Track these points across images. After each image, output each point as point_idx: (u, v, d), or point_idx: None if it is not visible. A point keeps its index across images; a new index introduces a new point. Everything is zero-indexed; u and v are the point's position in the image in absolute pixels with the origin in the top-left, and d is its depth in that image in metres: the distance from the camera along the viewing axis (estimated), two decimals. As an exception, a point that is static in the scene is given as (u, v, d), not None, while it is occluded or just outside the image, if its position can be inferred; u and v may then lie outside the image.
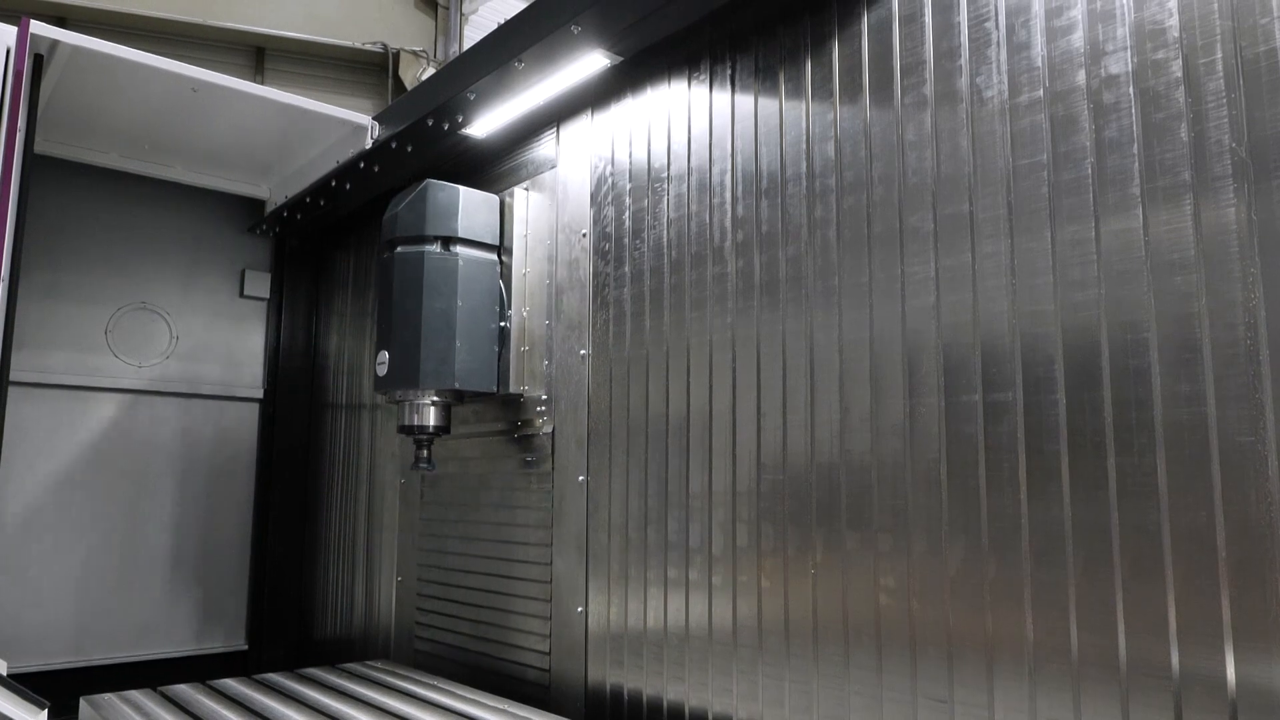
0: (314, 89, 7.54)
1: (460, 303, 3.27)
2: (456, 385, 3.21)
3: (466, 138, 3.57)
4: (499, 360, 3.36)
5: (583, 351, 3.12)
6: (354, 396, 4.69)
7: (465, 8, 8.51)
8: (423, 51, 7.98)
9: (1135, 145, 1.80)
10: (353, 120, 4.04)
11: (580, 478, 3.05)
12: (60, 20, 6.95)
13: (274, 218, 4.82)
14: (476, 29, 8.41)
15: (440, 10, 8.41)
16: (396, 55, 7.86)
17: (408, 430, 3.34)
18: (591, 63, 3.01)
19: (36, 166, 3.33)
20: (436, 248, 3.30)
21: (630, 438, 2.88)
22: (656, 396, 2.81)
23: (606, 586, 2.91)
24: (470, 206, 3.39)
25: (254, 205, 5.01)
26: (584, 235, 3.18)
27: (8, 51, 3.13)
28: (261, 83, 7.54)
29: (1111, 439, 1.77)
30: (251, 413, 4.97)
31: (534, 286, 3.40)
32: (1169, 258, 1.73)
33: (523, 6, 3.42)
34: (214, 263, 4.91)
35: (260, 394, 4.99)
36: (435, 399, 3.29)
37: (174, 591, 4.59)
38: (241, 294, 4.97)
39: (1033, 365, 1.91)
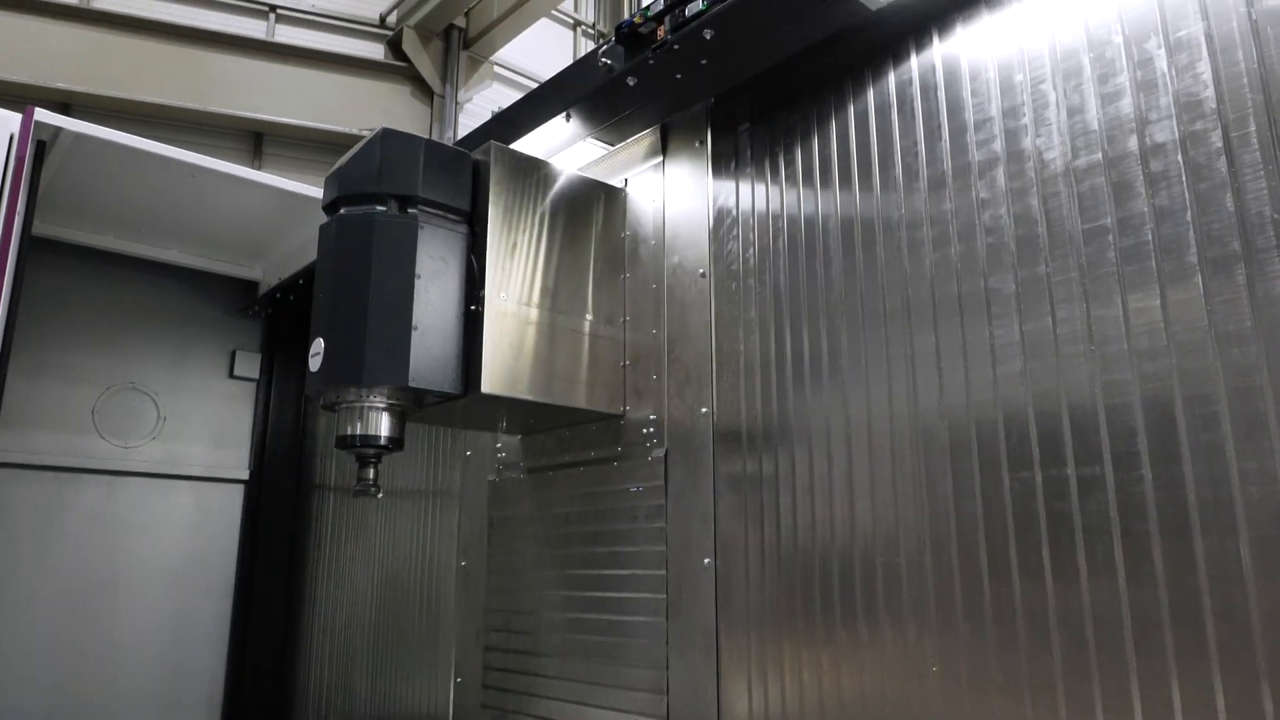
0: (311, 173, 7.58)
1: (419, 278, 2.63)
2: (410, 383, 2.55)
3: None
4: (469, 352, 2.68)
5: (704, 410, 2.73)
6: (343, 479, 4.61)
7: (460, 96, 8.73)
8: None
9: (1188, 213, 1.83)
10: None
11: (705, 560, 2.62)
12: (64, 106, 7.19)
13: (266, 299, 4.90)
14: (471, 116, 8.62)
15: (436, 99, 8.63)
16: None
17: (348, 443, 2.64)
18: (582, 152, 3.16)
19: (32, 248, 3.36)
20: (390, 208, 2.67)
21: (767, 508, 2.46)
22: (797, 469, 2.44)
23: (747, 697, 2.46)
24: (436, 161, 2.74)
25: (247, 286, 5.08)
26: (702, 274, 2.81)
27: (11, 138, 3.20)
28: (259, 167, 7.79)
29: (1196, 519, 1.74)
30: (236, 495, 4.95)
31: (636, 290, 2.99)
32: (1227, 329, 1.75)
33: (516, 97, 3.54)
34: (204, 343, 4.98)
35: (246, 475, 4.96)
36: (386, 402, 2.67)
37: (144, 682, 4.51)
38: (231, 374, 5.04)
39: (1117, 438, 1.87)
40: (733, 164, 2.83)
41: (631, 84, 2.79)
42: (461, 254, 2.79)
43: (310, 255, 4.25)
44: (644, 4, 2.64)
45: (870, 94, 2.48)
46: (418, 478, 4.08)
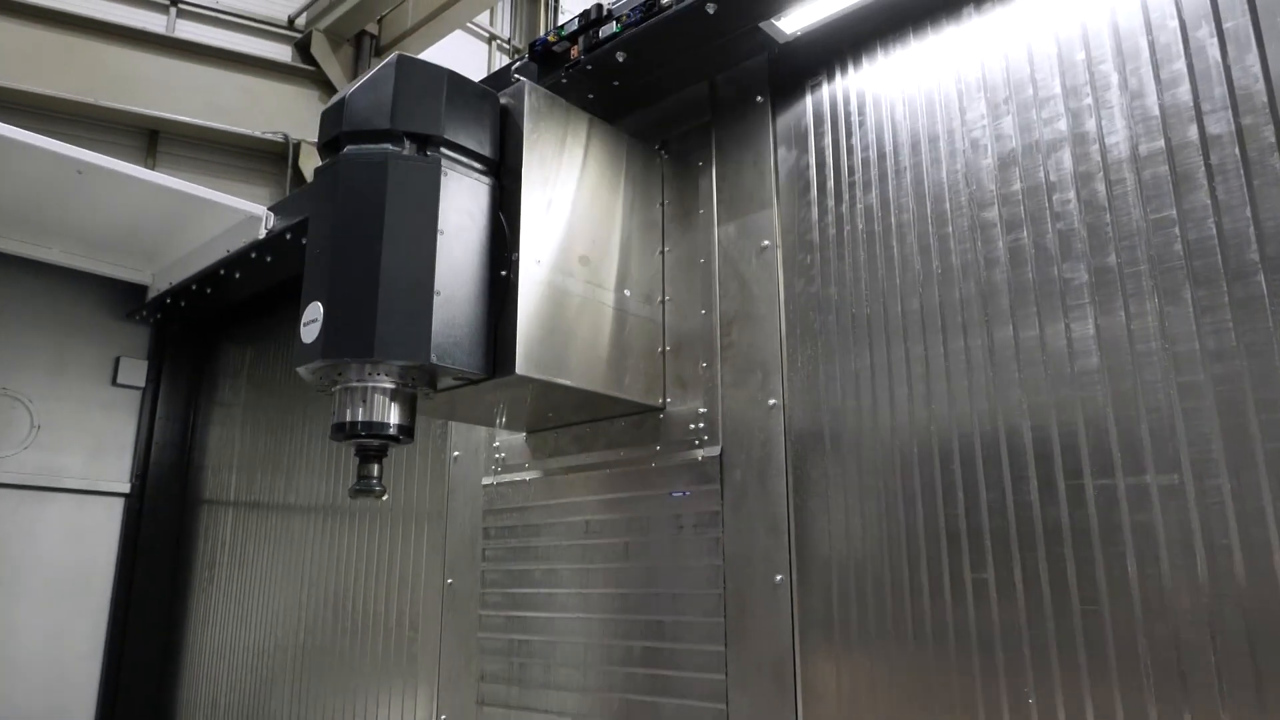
0: (208, 174, 7.35)
1: (442, 234, 2.20)
2: (434, 360, 2.11)
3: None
4: (498, 326, 2.25)
5: (772, 401, 2.36)
6: (252, 493, 4.23)
7: None
8: None
9: (1247, 209, 1.70)
10: (246, 209, 3.95)
11: (778, 577, 2.23)
12: (-55, 95, 6.51)
13: (155, 304, 4.66)
14: None
15: None
16: (298, 146, 7.67)
17: (348, 432, 2.16)
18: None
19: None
20: (407, 149, 2.23)
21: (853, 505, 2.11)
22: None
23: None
24: (460, 97, 2.30)
25: (135, 290, 4.82)
26: (766, 246, 2.44)
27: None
28: (153, 166, 7.43)
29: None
30: (116, 509, 4.71)
31: (677, 266, 2.62)
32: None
33: None
34: (85, 349, 4.72)
35: (126, 488, 4.74)
36: (395, 383, 2.19)
37: (17, 699, 4.24)
38: (114, 382, 4.78)
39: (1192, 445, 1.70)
40: (803, 122, 2.47)
41: None
42: (487, 210, 2.33)
43: (204, 260, 4.21)
44: (559, 23, 2.61)
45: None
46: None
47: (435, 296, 2.16)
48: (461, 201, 2.28)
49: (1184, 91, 1.84)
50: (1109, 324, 1.85)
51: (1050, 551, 1.85)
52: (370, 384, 2.16)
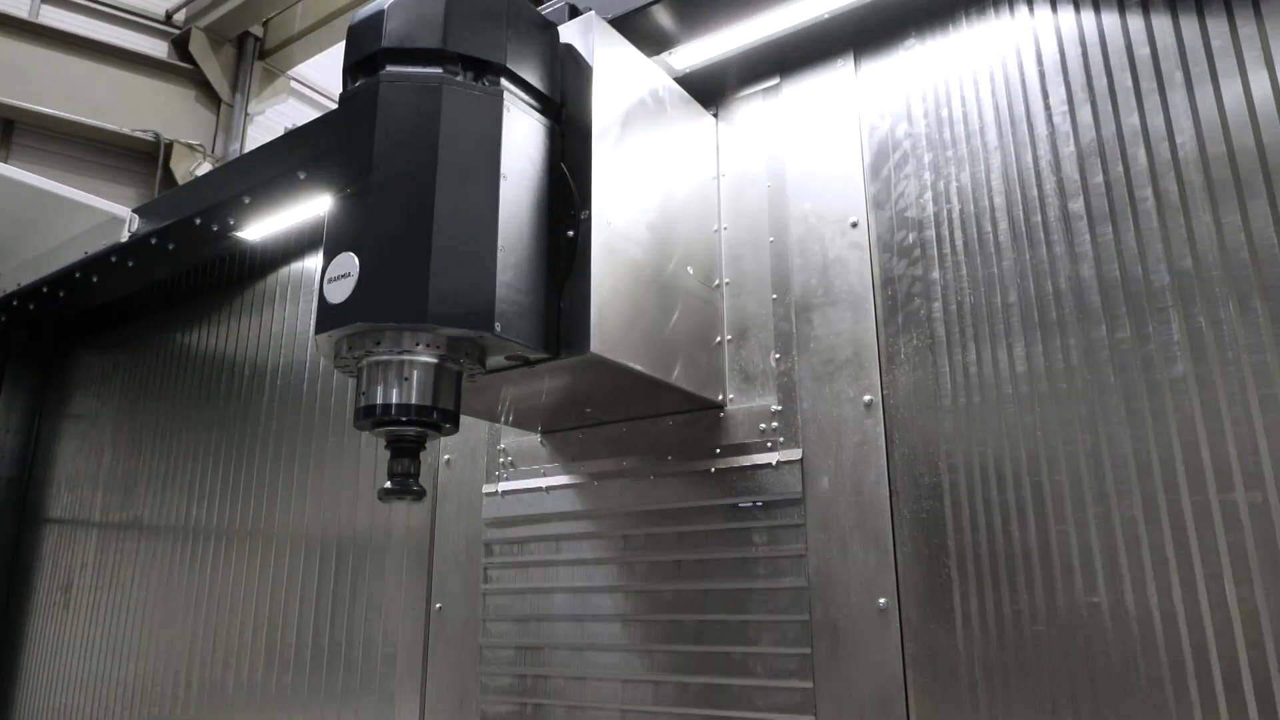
0: (69, 171, 6.99)
1: (504, 179, 1.80)
2: (498, 330, 1.71)
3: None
4: (565, 295, 1.86)
5: (868, 398, 2.05)
6: (127, 512, 3.83)
7: (252, 108, 8.09)
8: (200, 146, 7.60)
9: None
10: (108, 210, 3.77)
11: (881, 600, 1.92)
12: None
13: (1, 306, 4.29)
14: (263, 130, 8.01)
15: (224, 107, 7.96)
16: (169, 146, 7.38)
17: (379, 416, 1.72)
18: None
19: None
20: (464, 75, 1.82)
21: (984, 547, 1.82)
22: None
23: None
24: (521, 22, 1.92)
25: None
26: (854, 224, 2.15)
27: None
28: (6, 159, 6.79)
29: None
30: None
31: (737, 244, 2.30)
32: None
33: (314, 115, 3.55)
34: None
35: None
36: (438, 356, 1.75)
37: None
38: None
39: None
40: (899, 86, 2.20)
41: None
42: (548, 159, 1.95)
43: (60, 261, 3.91)
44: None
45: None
46: (317, 488, 3.07)
47: (499, 256, 1.76)
48: (523, 144, 1.89)
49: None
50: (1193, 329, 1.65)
51: (1158, 577, 1.62)
52: (410, 357, 1.74)
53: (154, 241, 3.64)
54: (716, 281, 2.33)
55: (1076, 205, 1.89)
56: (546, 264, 1.89)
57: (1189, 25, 1.85)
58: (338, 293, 1.70)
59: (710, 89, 2.50)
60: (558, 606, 2.38)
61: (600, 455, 2.42)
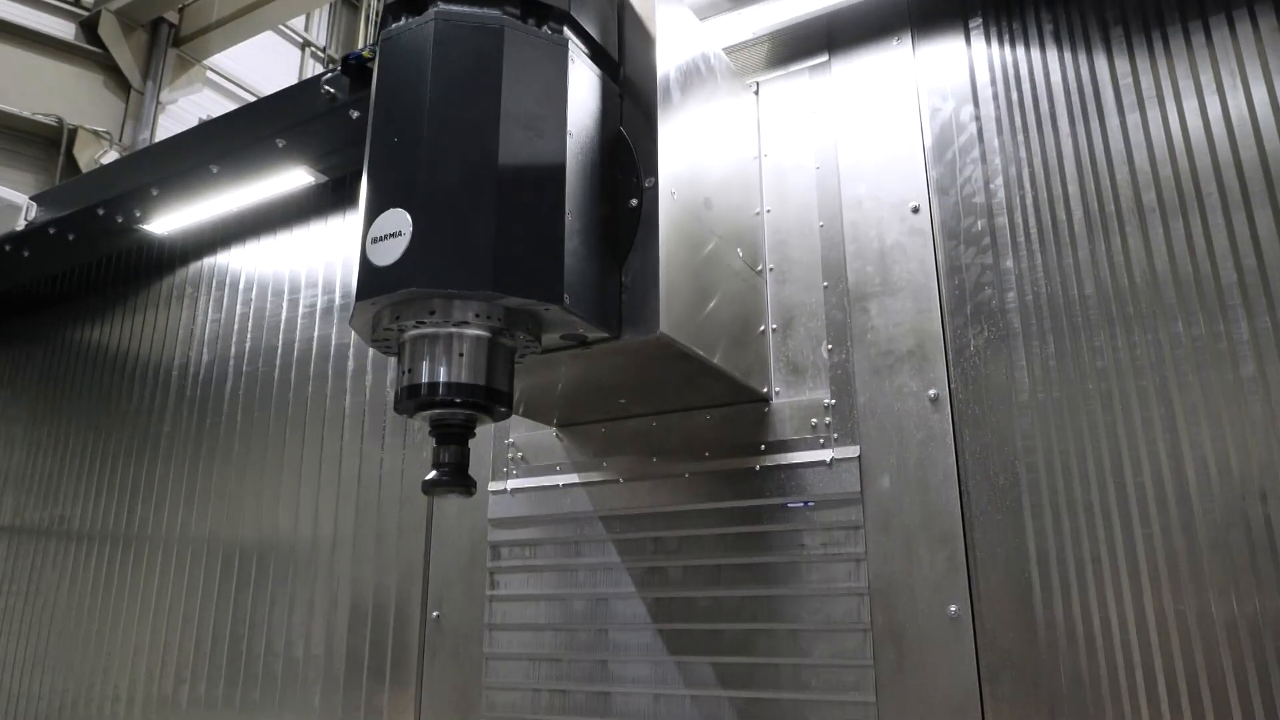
0: None
1: (570, 137, 1.62)
2: (566, 302, 1.53)
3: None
4: (628, 270, 1.68)
5: (933, 392, 1.92)
6: (44, 518, 3.50)
7: (164, 96, 7.70)
8: (106, 133, 7.18)
9: None
10: (3, 196, 3.61)
11: (952, 608, 1.79)
12: None
13: None
14: (176, 120, 7.60)
15: (134, 94, 7.54)
16: (74, 132, 6.97)
17: (425, 397, 1.51)
18: (295, 178, 2.93)
19: None
20: (523, 19, 1.62)
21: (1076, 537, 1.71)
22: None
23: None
24: None
25: None
26: (915, 209, 2.03)
27: None
28: None
29: None
30: None
31: (782, 229, 2.15)
32: None
33: (231, 107, 3.50)
34: None
35: None
36: (491, 329, 1.54)
37: None
38: None
39: None
40: (962, 65, 2.11)
41: (355, 116, 2.58)
42: (606, 120, 1.77)
43: None
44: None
45: None
46: (282, 478, 2.81)
47: (567, 223, 1.57)
48: (585, 100, 1.71)
49: None
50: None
51: (1240, 582, 1.55)
52: (462, 330, 1.53)
53: (52, 231, 3.42)
54: (760, 266, 2.18)
55: (1150, 197, 1.82)
56: (606, 235, 1.70)
57: (1266, 21, 1.80)
58: (386, 254, 1.49)
59: (751, 63, 2.36)
60: (577, 615, 2.19)
61: (626, 451, 2.24)
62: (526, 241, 1.52)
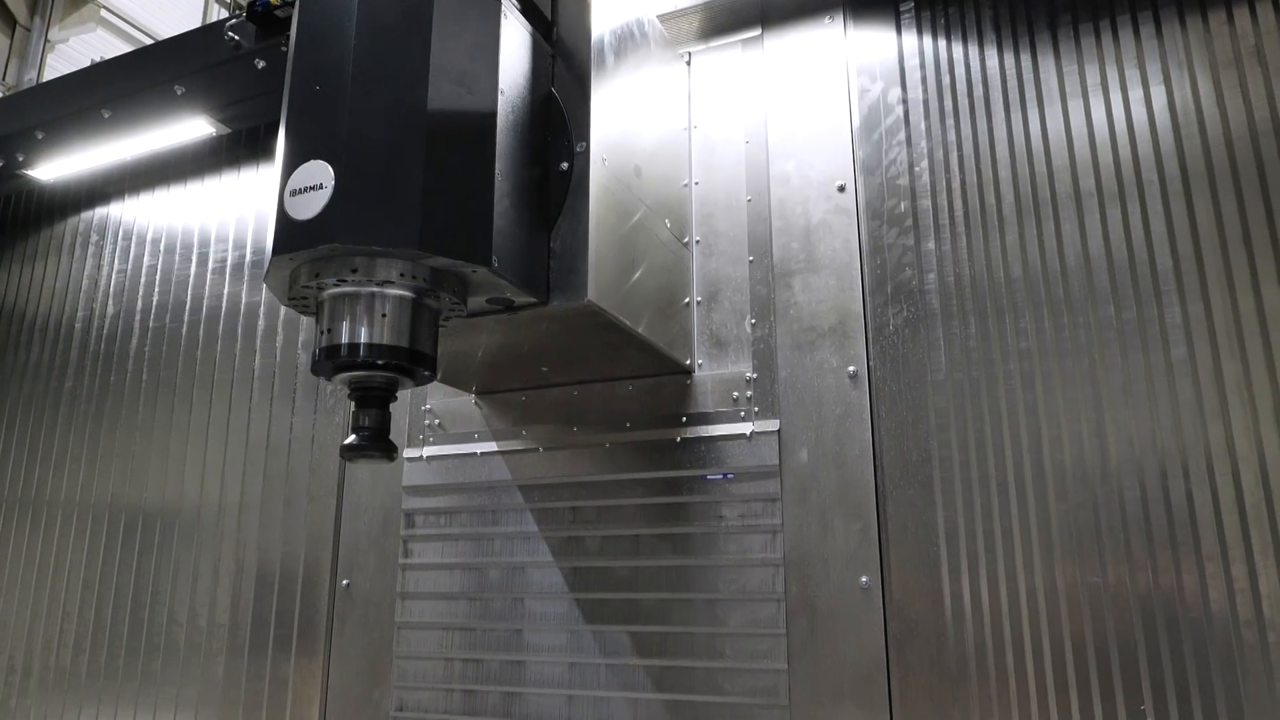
0: None
1: (502, 94, 1.58)
2: (495, 264, 1.49)
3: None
4: (556, 236, 1.66)
5: (853, 369, 1.95)
6: None
7: (53, 34, 7.27)
8: None
9: None
10: None
11: (863, 579, 1.83)
12: None
13: None
14: (65, 60, 7.22)
15: (19, 30, 7.11)
16: None
17: (345, 358, 1.46)
18: (196, 128, 2.79)
19: None
20: None
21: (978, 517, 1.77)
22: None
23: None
24: None
25: None
26: (841, 188, 2.04)
27: None
28: None
29: None
30: None
31: (710, 201, 2.15)
32: None
33: (126, 49, 3.15)
34: None
35: None
36: (414, 289, 1.48)
37: None
38: None
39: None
40: (892, 48, 2.13)
41: (260, 66, 2.50)
42: (536, 81, 1.74)
43: None
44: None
45: (1123, -14, 1.95)
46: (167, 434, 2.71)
47: (496, 181, 1.53)
48: (517, 58, 1.67)
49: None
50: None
51: (1158, 558, 1.64)
52: (385, 290, 1.48)
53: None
54: (687, 239, 2.18)
55: (1088, 183, 1.86)
56: (535, 198, 1.67)
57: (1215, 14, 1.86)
58: (305, 207, 1.43)
59: (684, 33, 2.34)
60: (493, 583, 2.17)
61: (547, 420, 2.22)
62: (455, 200, 1.48)
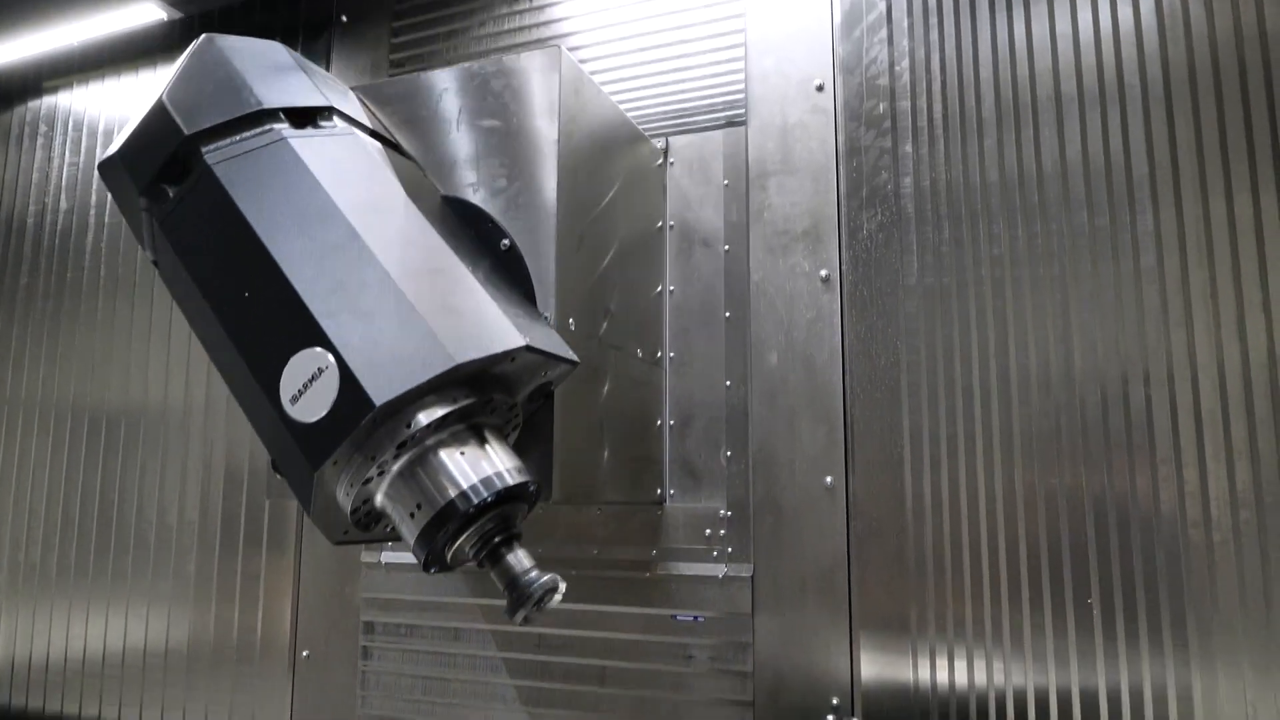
0: None
1: (420, 205, 1.54)
2: (525, 341, 1.39)
3: None
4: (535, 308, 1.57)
5: (824, 273, 1.94)
6: None
7: None
8: None
9: None
10: None
11: (829, 479, 1.87)
12: None
13: None
14: None
15: None
16: None
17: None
18: (142, 13, 2.65)
19: None
20: (297, 125, 1.47)
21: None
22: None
23: None
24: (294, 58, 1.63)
25: None
26: (819, 87, 2.00)
27: None
28: None
29: None
30: None
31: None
32: None
33: None
34: None
35: None
36: (461, 409, 1.32)
37: None
38: None
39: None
40: (877, -59, 2.05)
41: None
42: (430, 186, 1.68)
43: None
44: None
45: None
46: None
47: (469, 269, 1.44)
48: (407, 171, 1.64)
49: None
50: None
51: (1113, 461, 1.68)
52: (435, 438, 1.29)
53: None
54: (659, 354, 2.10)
55: (1069, 87, 1.82)
56: (504, 279, 1.58)
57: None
58: (316, 404, 1.23)
59: (662, -79, 2.24)
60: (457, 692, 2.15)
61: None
62: (451, 306, 1.33)
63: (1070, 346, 1.74)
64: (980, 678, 1.72)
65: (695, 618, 1.93)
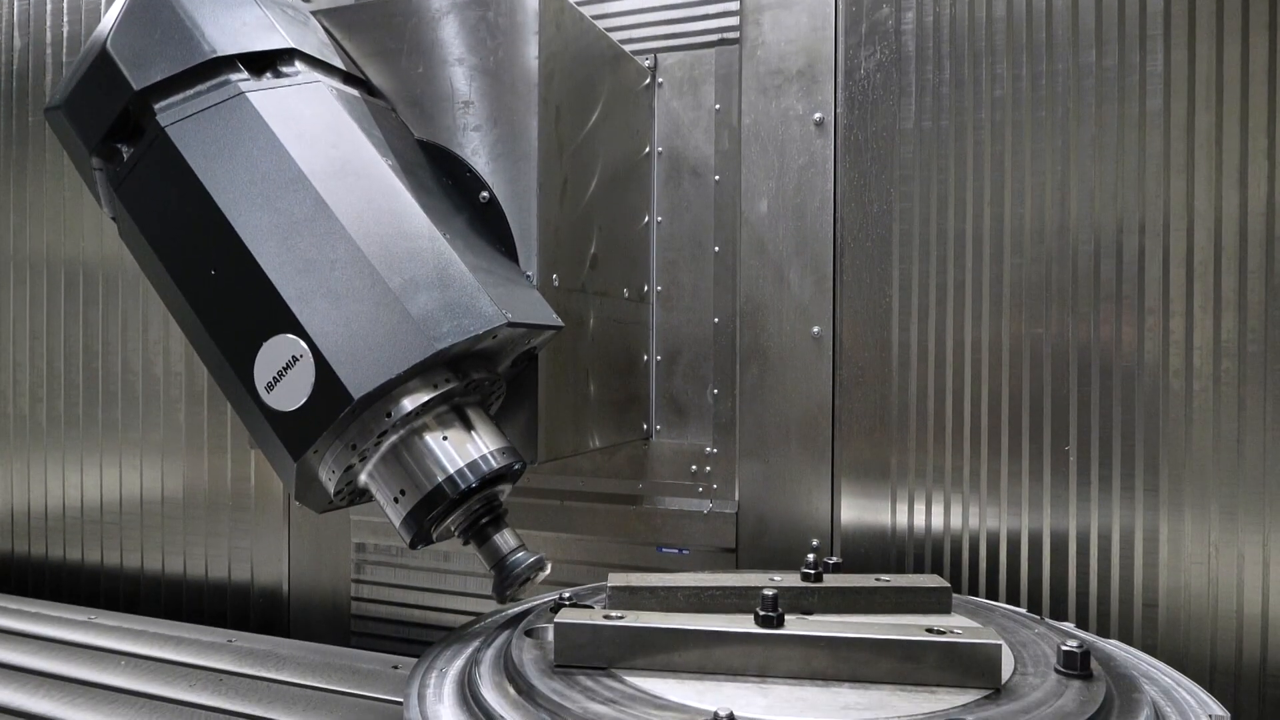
0: None
1: (392, 161, 1.46)
2: (508, 317, 1.32)
3: None
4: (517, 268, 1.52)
5: (819, 115, 1.87)
6: None
7: None
8: None
9: None
10: None
11: (816, 329, 1.86)
12: None
13: None
14: None
15: None
16: None
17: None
18: None
19: None
20: (254, 75, 1.36)
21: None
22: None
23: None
24: None
25: None
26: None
27: None
28: None
29: None
30: None
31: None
32: None
33: None
34: None
35: None
36: (446, 390, 1.29)
37: None
38: None
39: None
40: None
41: None
42: (405, 134, 1.57)
43: None
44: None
45: None
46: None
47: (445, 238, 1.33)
48: (374, 123, 1.49)
49: None
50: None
51: (1102, 308, 1.67)
52: (419, 422, 1.27)
53: None
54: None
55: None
56: (481, 237, 1.50)
57: None
58: (293, 393, 1.20)
59: None
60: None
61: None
62: (427, 281, 1.25)
63: (1067, 194, 1.70)
64: (955, 521, 1.77)
65: (680, 550, 1.96)
